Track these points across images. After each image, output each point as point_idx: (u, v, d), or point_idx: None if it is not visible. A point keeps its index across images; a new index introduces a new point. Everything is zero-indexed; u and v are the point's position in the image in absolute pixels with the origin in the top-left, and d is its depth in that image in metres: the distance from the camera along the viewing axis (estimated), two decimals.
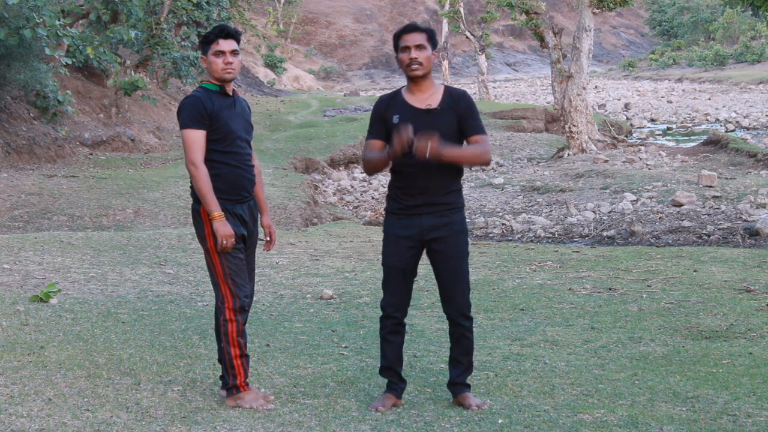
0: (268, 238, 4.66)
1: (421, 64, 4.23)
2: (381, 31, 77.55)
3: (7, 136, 16.15)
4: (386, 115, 4.29)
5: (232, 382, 4.34)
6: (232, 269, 4.32)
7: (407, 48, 4.23)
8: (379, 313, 4.49)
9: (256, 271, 8.26)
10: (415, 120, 4.21)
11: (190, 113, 4.28)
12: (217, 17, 32.91)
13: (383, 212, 4.33)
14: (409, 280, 4.37)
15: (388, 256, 4.34)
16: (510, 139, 23.75)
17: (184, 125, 4.28)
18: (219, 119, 4.30)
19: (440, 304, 6.98)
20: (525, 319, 6.51)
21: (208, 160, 4.29)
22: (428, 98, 4.28)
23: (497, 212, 14.07)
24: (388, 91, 4.51)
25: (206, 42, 4.35)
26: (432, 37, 4.29)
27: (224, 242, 4.25)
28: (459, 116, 4.27)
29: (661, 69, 64.06)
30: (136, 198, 13.32)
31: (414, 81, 4.28)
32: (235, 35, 4.36)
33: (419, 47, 4.23)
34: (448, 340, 4.56)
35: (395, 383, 4.45)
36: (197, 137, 4.26)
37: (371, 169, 4.29)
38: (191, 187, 4.35)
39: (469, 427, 4.09)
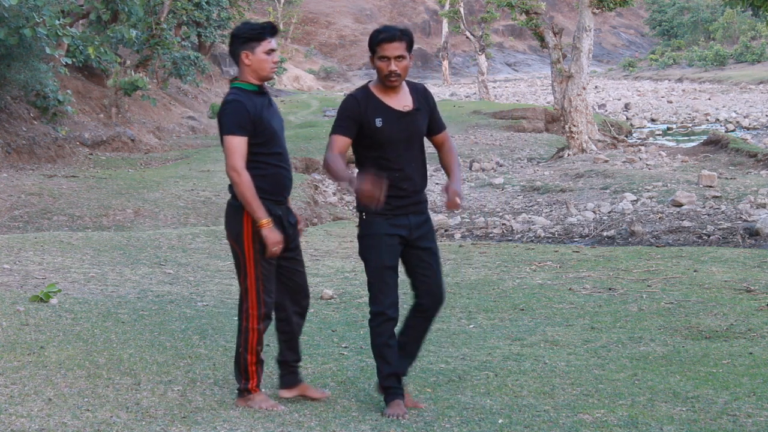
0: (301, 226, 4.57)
1: (399, 75, 4.20)
2: None
3: (7, 136, 16.15)
4: (365, 117, 4.19)
5: (243, 385, 4.32)
6: (265, 274, 4.24)
7: (386, 58, 4.16)
8: None
9: None
10: (398, 122, 4.21)
11: (234, 119, 4.14)
12: (217, 17, 32.92)
13: (363, 216, 4.24)
14: (397, 279, 4.33)
15: (382, 257, 4.23)
16: (510, 139, 23.74)
17: (228, 131, 4.14)
18: (262, 121, 4.19)
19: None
20: (525, 319, 6.51)
21: (253, 162, 4.17)
22: (402, 98, 4.25)
23: (497, 212, 14.07)
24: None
25: (254, 39, 4.20)
26: (410, 42, 4.22)
27: (275, 249, 4.16)
28: (429, 112, 4.30)
29: (661, 69, 64.05)
30: (136, 198, 13.32)
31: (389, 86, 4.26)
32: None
33: (399, 58, 4.17)
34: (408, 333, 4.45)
35: (398, 387, 4.31)
36: (240, 144, 4.13)
37: (330, 175, 4.21)
38: (230, 185, 4.23)
39: (469, 427, 4.09)
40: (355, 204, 4.23)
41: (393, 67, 4.16)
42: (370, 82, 4.32)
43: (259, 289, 4.24)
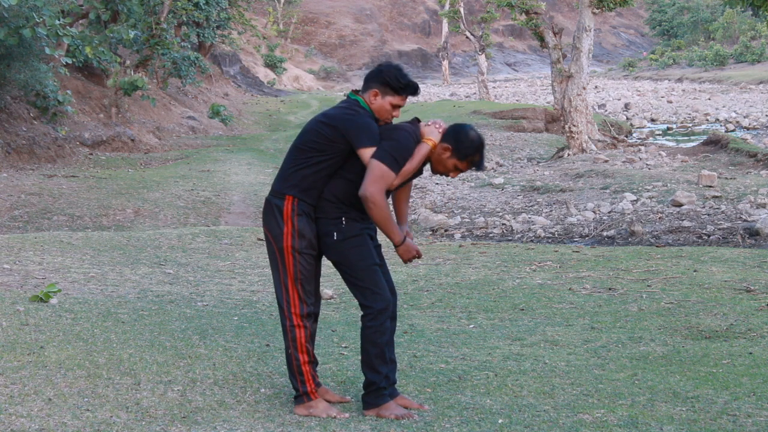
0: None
1: None
2: (381, 31, 77.55)
3: (7, 136, 16.15)
4: None
5: (302, 389, 4.24)
6: (304, 274, 4.22)
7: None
8: None
9: (257, 270, 8.29)
10: None
11: (376, 136, 4.20)
12: (217, 17, 32.95)
13: (343, 221, 4.26)
14: None
15: (372, 254, 4.29)
16: (510, 139, 23.74)
17: (373, 151, 4.15)
18: None
19: (439, 303, 7.01)
20: (525, 319, 6.51)
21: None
22: None
23: (497, 212, 14.07)
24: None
25: (392, 87, 4.24)
26: None
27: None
28: None
29: (661, 69, 64.06)
30: (136, 198, 13.33)
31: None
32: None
33: None
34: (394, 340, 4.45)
35: (390, 388, 4.34)
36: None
37: (378, 221, 4.18)
38: (275, 183, 4.26)
39: (469, 427, 4.09)
40: (329, 213, 4.26)
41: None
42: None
43: (298, 288, 4.21)
